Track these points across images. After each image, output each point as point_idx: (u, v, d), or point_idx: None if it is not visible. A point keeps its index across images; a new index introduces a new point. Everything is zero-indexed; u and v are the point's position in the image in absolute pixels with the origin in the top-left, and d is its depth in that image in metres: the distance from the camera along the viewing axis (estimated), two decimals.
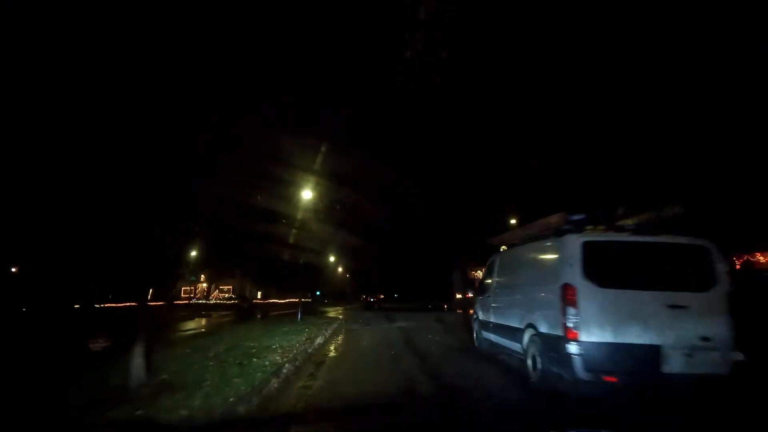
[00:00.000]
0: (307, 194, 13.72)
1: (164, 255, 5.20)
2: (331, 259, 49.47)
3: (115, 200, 5.03)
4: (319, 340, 9.45)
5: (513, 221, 27.39)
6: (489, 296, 6.93)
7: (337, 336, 11.02)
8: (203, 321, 18.97)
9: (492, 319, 6.63)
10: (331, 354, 7.66)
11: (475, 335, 7.89)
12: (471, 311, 8.79)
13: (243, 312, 27.24)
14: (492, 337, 6.67)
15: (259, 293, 56.92)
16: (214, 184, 5.74)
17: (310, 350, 7.94)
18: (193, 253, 39.71)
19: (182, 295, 53.25)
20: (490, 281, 6.98)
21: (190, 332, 13.86)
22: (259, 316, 22.99)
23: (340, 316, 19.70)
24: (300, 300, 15.86)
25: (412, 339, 9.63)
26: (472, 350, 7.62)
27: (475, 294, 8.08)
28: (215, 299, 50.71)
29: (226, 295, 54.15)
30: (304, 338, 9.04)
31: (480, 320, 7.45)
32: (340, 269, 62.62)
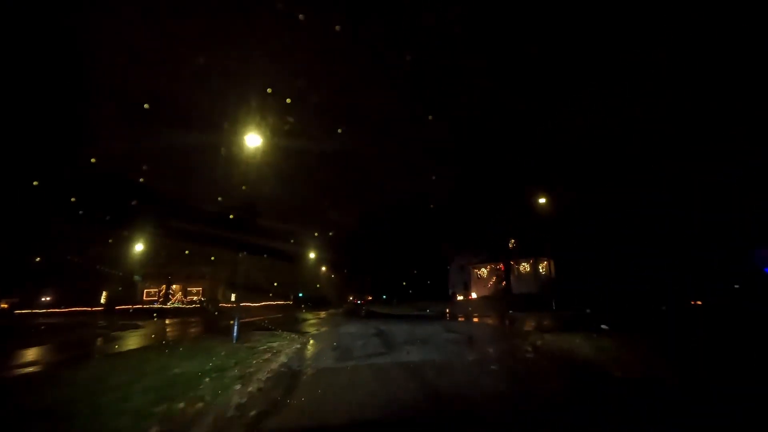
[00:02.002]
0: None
1: None
2: (312, 255, 43.10)
3: None
4: None
5: (542, 200, 21.49)
6: None
7: (266, 401, 4.55)
8: (102, 340, 12.14)
9: None
10: None
11: None
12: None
13: (210, 318, 21.49)
14: None
15: (233, 295, 50.40)
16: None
17: None
18: (139, 248, 33.06)
19: (145, 298, 46.35)
20: None
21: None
22: (231, 322, 17.14)
23: (310, 331, 13.17)
24: (237, 305, 9.45)
25: None
26: None
27: None
28: (176, 303, 43.85)
29: (195, 298, 47.63)
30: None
31: None
32: (324, 269, 56.40)
